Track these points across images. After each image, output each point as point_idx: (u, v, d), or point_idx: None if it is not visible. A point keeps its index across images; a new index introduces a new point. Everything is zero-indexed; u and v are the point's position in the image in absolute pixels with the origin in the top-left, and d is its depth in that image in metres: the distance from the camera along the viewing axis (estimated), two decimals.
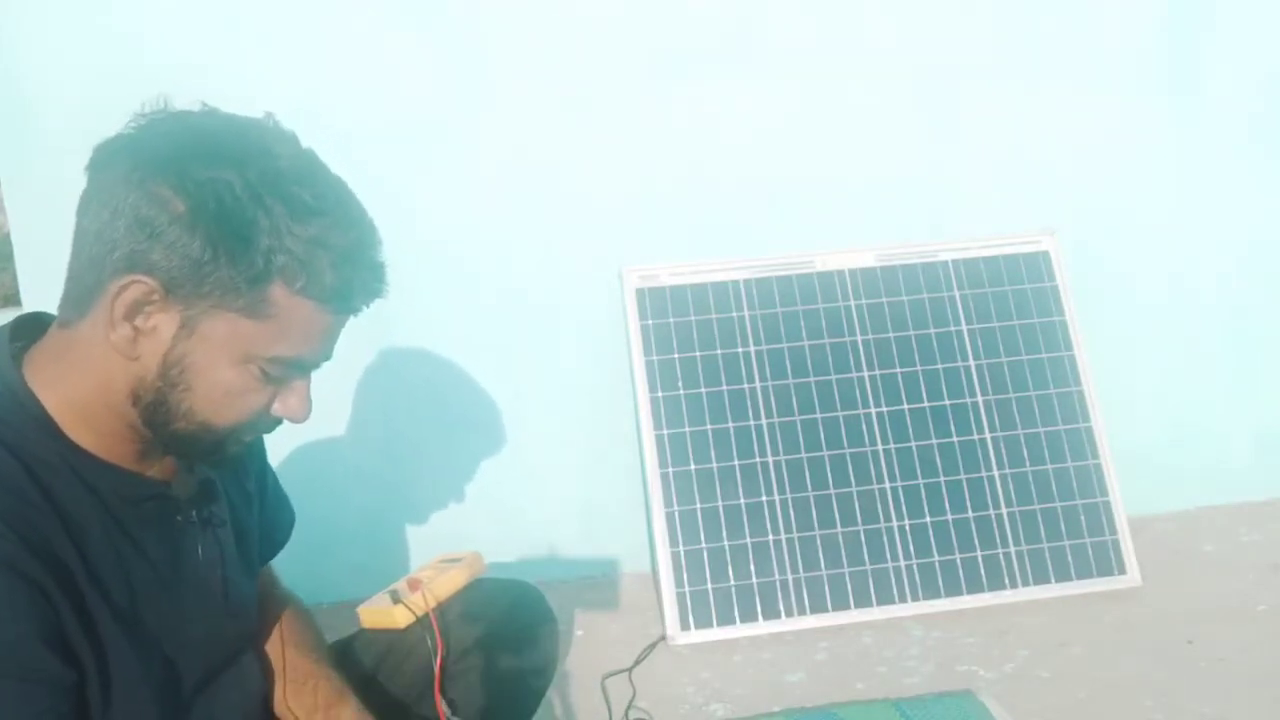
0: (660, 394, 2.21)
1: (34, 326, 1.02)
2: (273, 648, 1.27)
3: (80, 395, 0.96)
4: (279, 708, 1.25)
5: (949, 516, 2.20)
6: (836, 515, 2.18)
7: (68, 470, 0.96)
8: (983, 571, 2.17)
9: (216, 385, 0.96)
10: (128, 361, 0.94)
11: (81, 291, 0.95)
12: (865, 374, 2.26)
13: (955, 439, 2.25)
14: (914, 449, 2.23)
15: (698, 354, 2.24)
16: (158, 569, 1.03)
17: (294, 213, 0.92)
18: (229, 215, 0.90)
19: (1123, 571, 2.20)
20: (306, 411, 1.02)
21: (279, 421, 1.03)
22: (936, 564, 2.17)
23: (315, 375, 1.03)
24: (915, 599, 2.14)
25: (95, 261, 0.93)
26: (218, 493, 1.12)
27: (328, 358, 1.02)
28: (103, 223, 0.92)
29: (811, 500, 2.18)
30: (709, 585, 2.12)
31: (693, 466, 2.18)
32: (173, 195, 0.90)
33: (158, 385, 0.95)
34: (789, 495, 2.18)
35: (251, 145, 0.93)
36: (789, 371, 2.25)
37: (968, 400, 2.27)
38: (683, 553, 2.13)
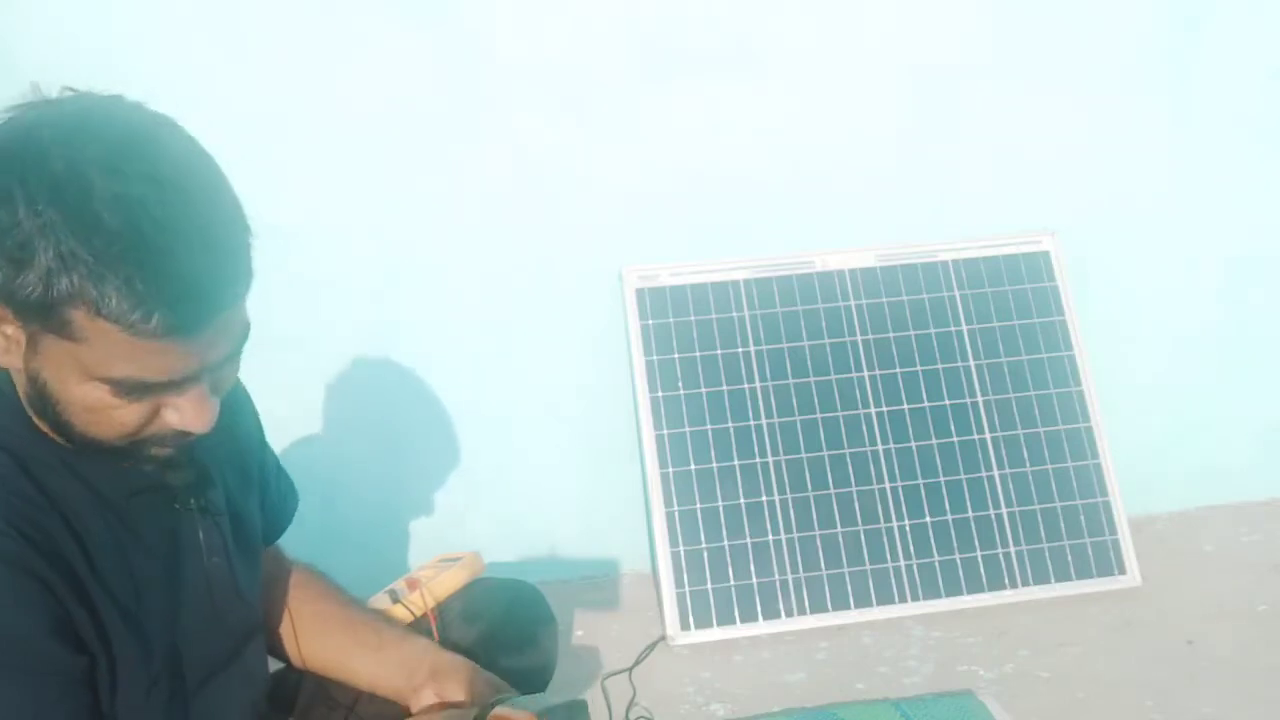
0: (660, 394, 2.21)
1: None
2: (301, 605, 1.28)
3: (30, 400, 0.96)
4: (298, 655, 1.27)
5: (949, 516, 2.20)
6: (836, 515, 2.18)
7: (62, 466, 0.96)
8: (983, 571, 2.17)
9: (74, 402, 0.91)
10: (14, 371, 0.94)
11: None
12: (865, 374, 2.26)
13: (955, 439, 2.25)
14: (914, 449, 2.23)
15: (698, 354, 2.24)
16: (158, 559, 1.03)
17: (78, 228, 0.82)
18: (5, 233, 0.83)
19: (1123, 571, 2.20)
20: (204, 422, 0.94)
21: (185, 433, 0.95)
22: (936, 564, 2.16)
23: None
24: (915, 599, 2.14)
25: None
26: (214, 480, 1.11)
27: (211, 371, 0.93)
28: None
29: (811, 500, 2.18)
30: (709, 585, 2.12)
31: (693, 466, 2.18)
32: None
33: (39, 399, 0.93)
34: (789, 495, 2.18)
35: (40, 147, 0.84)
36: (789, 371, 2.25)
37: (968, 400, 2.27)
38: (683, 553, 2.13)
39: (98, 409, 0.90)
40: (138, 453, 0.96)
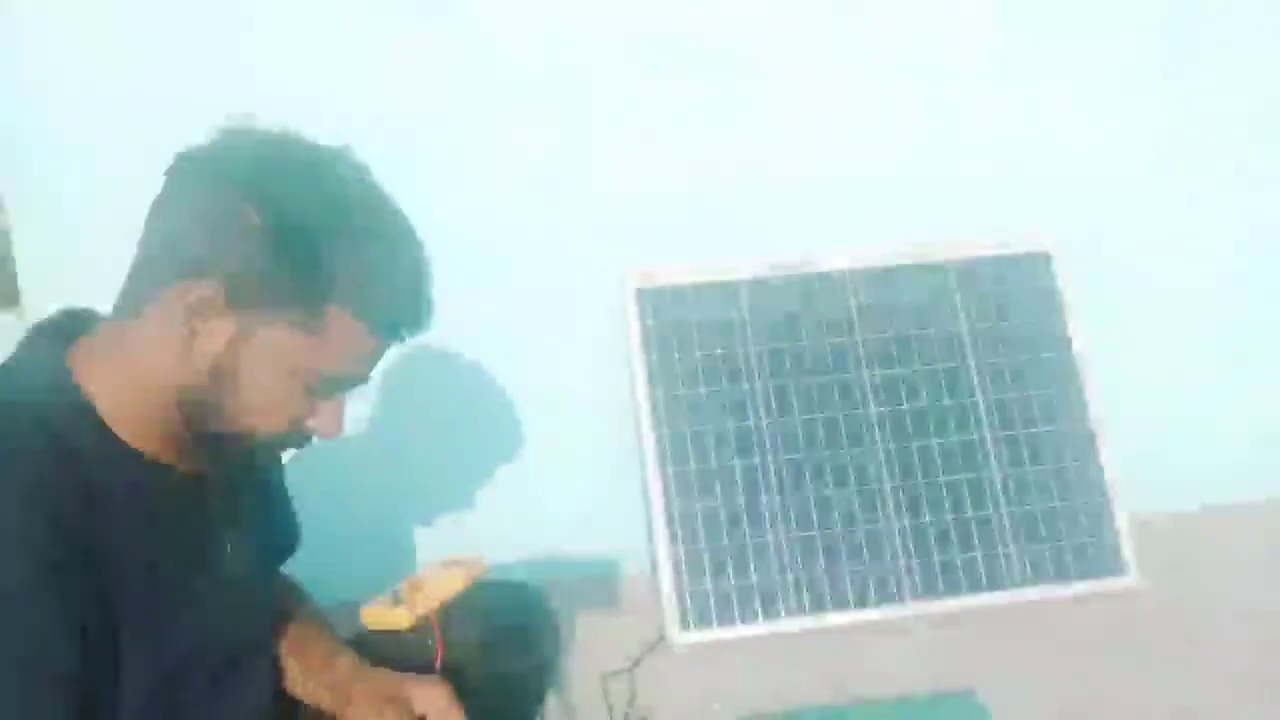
0: (660, 394, 2.21)
1: (83, 320, 1.05)
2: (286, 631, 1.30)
3: (127, 389, 0.99)
4: (295, 688, 1.27)
5: (949, 516, 2.20)
6: (836, 515, 2.18)
7: (105, 462, 0.97)
8: (983, 571, 2.17)
9: (261, 393, 0.99)
10: (180, 362, 0.97)
11: (143, 289, 0.98)
12: (865, 374, 2.26)
13: (955, 439, 2.25)
14: (914, 449, 2.23)
15: (698, 354, 2.24)
16: (185, 563, 1.05)
17: (359, 239, 0.97)
18: (299, 233, 0.94)
19: (1123, 571, 2.20)
20: (339, 429, 1.06)
21: (310, 437, 1.07)
22: (936, 564, 2.17)
23: None
24: (915, 599, 2.14)
25: (162, 262, 0.96)
26: (246, 492, 1.15)
27: (365, 380, 1.06)
28: (175, 226, 0.96)
29: (811, 500, 2.18)
30: (709, 585, 2.12)
31: (693, 466, 2.18)
32: (248, 208, 0.93)
33: (205, 387, 0.98)
34: (789, 495, 2.18)
35: (326, 170, 0.98)
36: (789, 371, 2.25)
37: (968, 400, 2.27)
38: (683, 553, 2.13)
39: (277, 402, 1.00)
40: (258, 452, 1.07)
